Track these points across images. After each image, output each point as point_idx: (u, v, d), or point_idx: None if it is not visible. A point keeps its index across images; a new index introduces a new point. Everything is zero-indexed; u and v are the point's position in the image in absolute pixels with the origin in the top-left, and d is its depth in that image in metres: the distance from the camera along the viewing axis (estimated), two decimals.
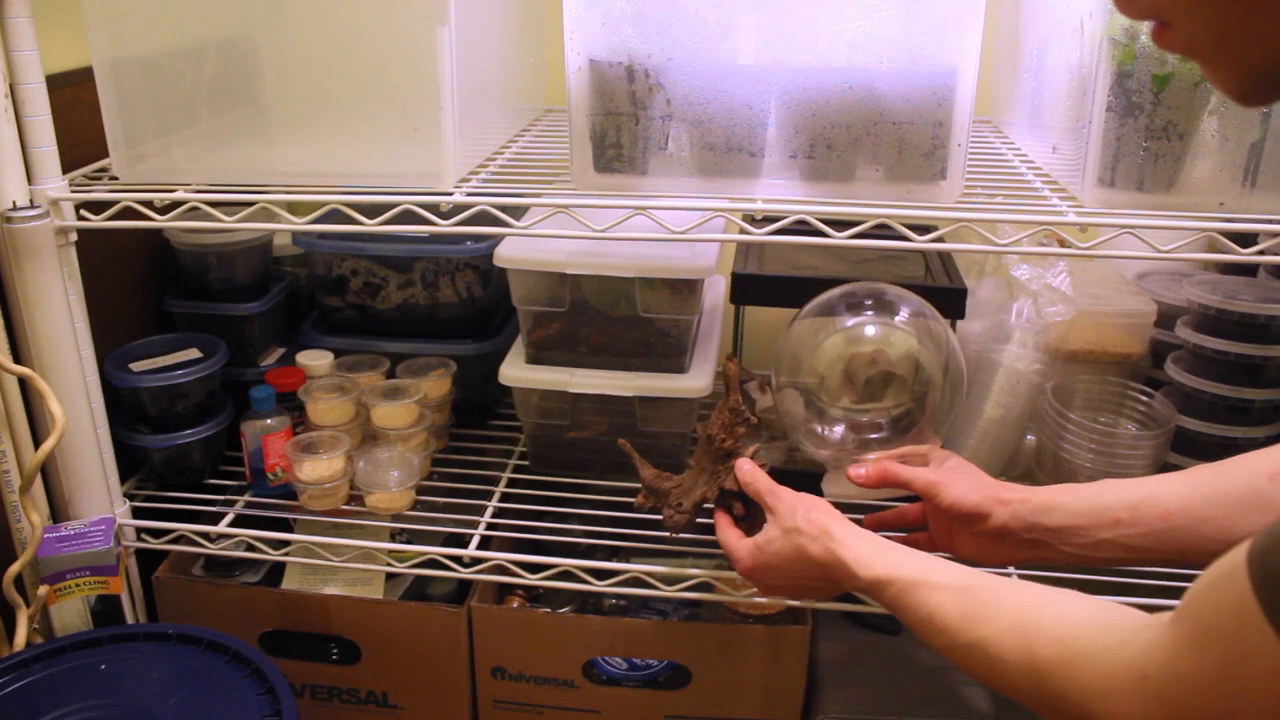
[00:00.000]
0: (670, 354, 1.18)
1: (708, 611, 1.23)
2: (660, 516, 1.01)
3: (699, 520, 0.98)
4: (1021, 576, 1.03)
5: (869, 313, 0.99)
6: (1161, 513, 0.77)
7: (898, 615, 0.74)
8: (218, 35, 0.97)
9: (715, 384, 1.20)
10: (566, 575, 1.07)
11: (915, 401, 0.98)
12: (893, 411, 0.98)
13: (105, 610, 1.05)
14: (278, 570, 1.22)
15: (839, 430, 0.99)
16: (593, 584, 1.07)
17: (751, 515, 0.93)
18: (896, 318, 0.99)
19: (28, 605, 1.02)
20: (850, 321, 1.00)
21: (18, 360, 1.00)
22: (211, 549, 1.13)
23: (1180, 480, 0.79)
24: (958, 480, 0.88)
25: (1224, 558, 0.50)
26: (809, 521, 0.82)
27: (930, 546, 0.94)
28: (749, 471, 0.92)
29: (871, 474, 0.92)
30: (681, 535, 1.00)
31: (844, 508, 0.87)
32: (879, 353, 0.97)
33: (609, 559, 1.09)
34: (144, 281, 1.30)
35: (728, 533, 0.92)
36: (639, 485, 1.02)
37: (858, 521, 0.86)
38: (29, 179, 0.96)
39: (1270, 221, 0.88)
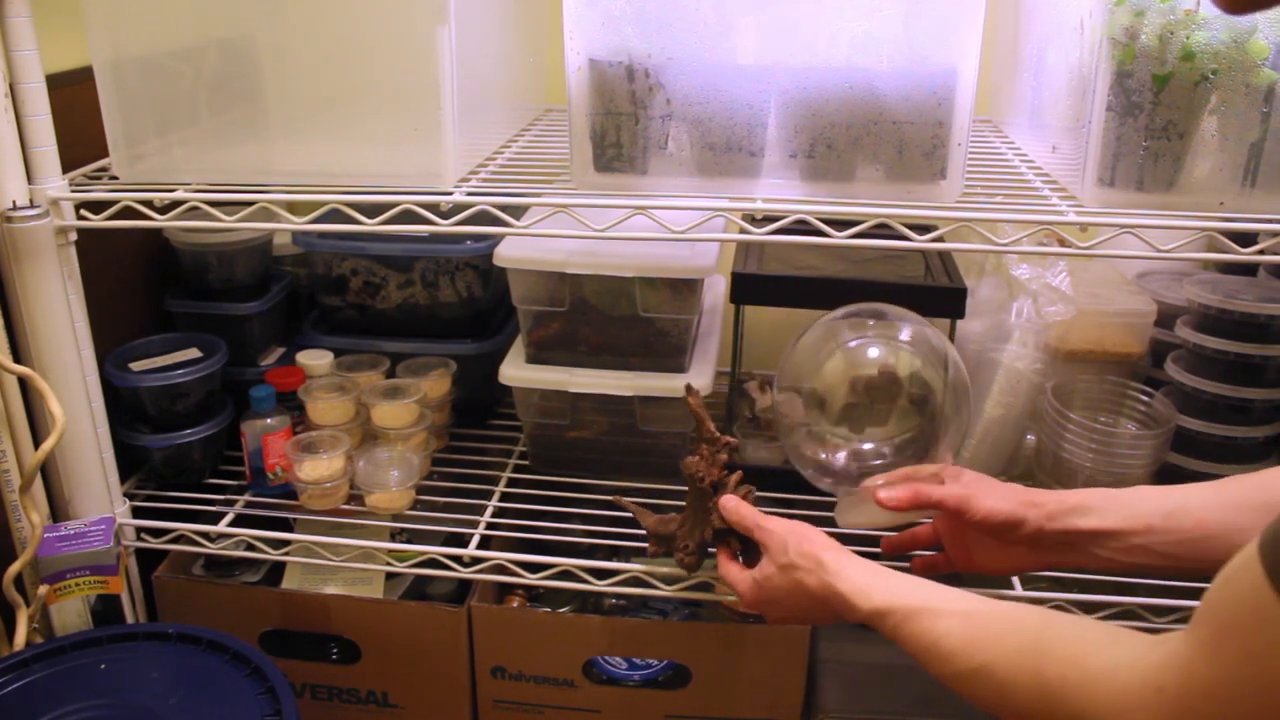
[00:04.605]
0: (670, 354, 1.18)
1: (708, 611, 1.23)
2: (657, 507, 1.00)
3: None
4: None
5: (871, 332, 0.96)
6: (1195, 521, 0.76)
7: (899, 645, 0.73)
8: (218, 35, 0.97)
9: (716, 384, 1.20)
10: (566, 575, 1.07)
11: (923, 424, 0.95)
12: (896, 439, 0.96)
13: (105, 610, 1.05)
14: (278, 570, 1.22)
15: (841, 458, 0.96)
16: (593, 584, 1.07)
17: (750, 548, 0.92)
18: (900, 336, 0.96)
19: (28, 605, 1.02)
20: (853, 342, 0.97)
21: (18, 360, 1.00)
22: (211, 549, 1.13)
23: (1215, 489, 0.78)
24: (986, 492, 0.86)
25: (1236, 556, 0.49)
26: (802, 555, 0.81)
27: (948, 567, 0.93)
28: (733, 509, 0.91)
29: (903, 497, 0.88)
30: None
31: (851, 538, 0.86)
32: (883, 373, 0.94)
33: (609, 559, 1.09)
34: (144, 281, 1.30)
35: (728, 568, 0.91)
36: (643, 508, 1.02)
37: (870, 554, 0.84)
38: (29, 179, 0.96)
39: (1270, 221, 0.88)
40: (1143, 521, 0.78)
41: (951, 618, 0.69)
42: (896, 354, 0.95)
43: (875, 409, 0.95)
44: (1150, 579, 0.96)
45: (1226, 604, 0.49)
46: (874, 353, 0.96)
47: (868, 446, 0.95)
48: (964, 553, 0.92)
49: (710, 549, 0.96)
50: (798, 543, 0.82)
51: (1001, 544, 0.87)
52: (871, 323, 0.96)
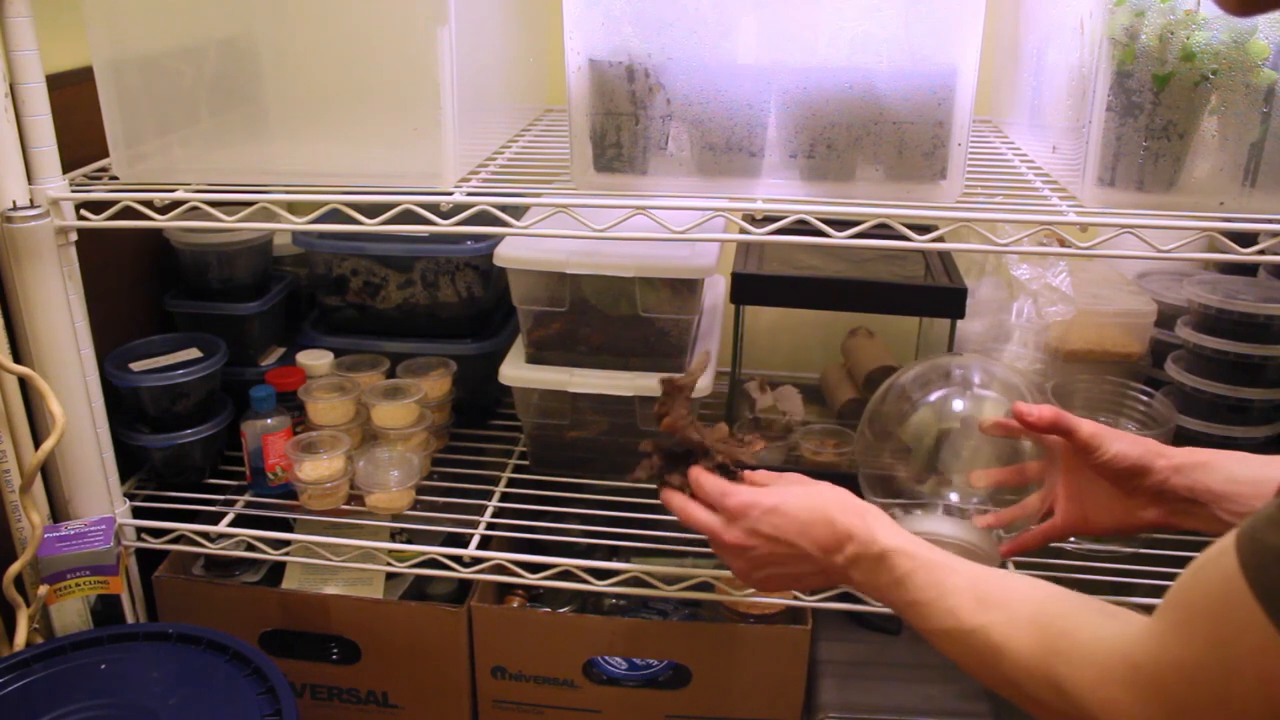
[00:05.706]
0: (670, 354, 1.18)
1: (708, 611, 1.23)
2: (657, 506, 0.93)
3: None
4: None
5: (953, 386, 0.93)
6: None
7: (898, 590, 0.71)
8: (218, 35, 0.97)
9: (716, 384, 1.20)
10: (566, 575, 1.07)
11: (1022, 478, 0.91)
12: (986, 488, 0.91)
13: (105, 610, 1.05)
14: (278, 570, 1.22)
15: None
16: (593, 584, 1.07)
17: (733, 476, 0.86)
18: (977, 387, 0.93)
19: (28, 605, 1.02)
20: (935, 395, 0.93)
21: (18, 360, 1.00)
22: (211, 549, 1.13)
23: None
24: (1117, 434, 0.85)
25: (1212, 546, 0.51)
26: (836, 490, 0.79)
27: (1061, 533, 0.90)
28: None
29: (1045, 415, 0.85)
30: (682, 534, 0.98)
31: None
32: (967, 423, 0.91)
33: (609, 558, 1.09)
34: (144, 281, 1.30)
35: (694, 508, 0.84)
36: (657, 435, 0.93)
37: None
38: (29, 179, 0.96)
39: (1270, 221, 0.88)
40: (1268, 488, 0.77)
41: (962, 575, 0.68)
42: (979, 403, 0.92)
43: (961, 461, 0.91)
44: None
45: (1199, 589, 0.51)
46: (959, 406, 0.92)
47: (955, 497, 0.92)
48: (1079, 508, 0.89)
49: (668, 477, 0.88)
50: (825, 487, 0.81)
51: (1122, 494, 0.85)
52: (957, 374, 0.94)
